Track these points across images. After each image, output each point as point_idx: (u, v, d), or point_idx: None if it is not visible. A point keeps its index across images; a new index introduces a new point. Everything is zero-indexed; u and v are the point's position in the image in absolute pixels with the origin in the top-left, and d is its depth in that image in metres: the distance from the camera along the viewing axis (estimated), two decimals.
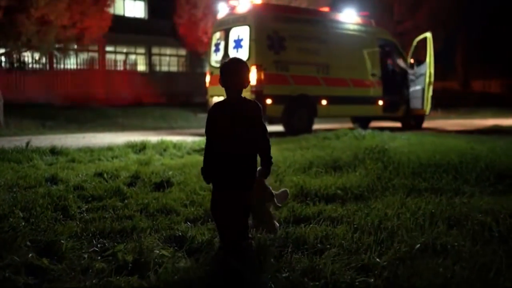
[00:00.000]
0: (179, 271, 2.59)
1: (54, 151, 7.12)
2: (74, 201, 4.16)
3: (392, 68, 13.66)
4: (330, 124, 14.19)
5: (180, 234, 3.25)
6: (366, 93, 12.65)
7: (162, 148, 7.71)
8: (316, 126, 12.07)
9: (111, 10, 17.68)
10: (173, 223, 3.59)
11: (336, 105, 11.97)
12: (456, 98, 28.49)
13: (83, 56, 23.28)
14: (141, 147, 7.63)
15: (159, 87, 23.33)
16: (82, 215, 3.84)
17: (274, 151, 7.11)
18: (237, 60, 3.01)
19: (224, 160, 2.92)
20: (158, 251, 2.87)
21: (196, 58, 24.93)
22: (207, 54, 14.05)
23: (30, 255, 2.71)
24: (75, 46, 19.12)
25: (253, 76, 10.51)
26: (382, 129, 11.40)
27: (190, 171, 5.54)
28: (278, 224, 3.39)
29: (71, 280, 2.52)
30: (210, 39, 12.52)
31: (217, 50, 11.82)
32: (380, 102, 12.91)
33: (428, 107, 13.30)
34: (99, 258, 2.83)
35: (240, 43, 11.01)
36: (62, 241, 2.93)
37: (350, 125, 14.12)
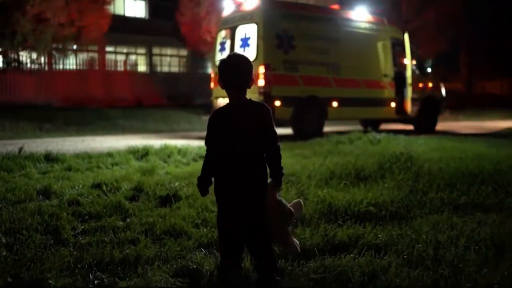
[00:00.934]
0: None
1: (49, 157, 6.55)
2: (67, 221, 3.61)
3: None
4: (338, 126, 13.62)
5: (195, 266, 2.68)
6: (378, 95, 12.09)
7: (166, 154, 7.16)
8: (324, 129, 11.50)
9: (110, 9, 17.14)
10: (184, 249, 3.04)
11: (347, 107, 11.41)
12: (461, 100, 27.97)
13: (83, 56, 22.86)
14: (144, 153, 7.08)
15: (160, 88, 22.87)
16: (76, 238, 3.29)
17: (288, 158, 6.60)
18: (237, 56, 2.56)
19: (229, 177, 2.51)
20: None
21: (198, 58, 24.51)
22: (211, 54, 13.51)
23: None
24: (74, 46, 18.58)
25: (261, 76, 9.97)
26: (389, 131, 10.87)
27: None
28: (298, 242, 2.90)
29: None
30: (215, 38, 11.96)
31: (222, 49, 11.27)
32: (393, 104, 12.36)
33: (409, 108, 12.65)
34: None
35: (247, 41, 10.45)
36: (50, 281, 2.36)
37: (357, 127, 13.56)
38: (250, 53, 10.14)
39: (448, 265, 2.60)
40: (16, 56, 15.36)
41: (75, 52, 21.62)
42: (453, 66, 36.80)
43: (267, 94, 10.00)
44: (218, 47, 11.47)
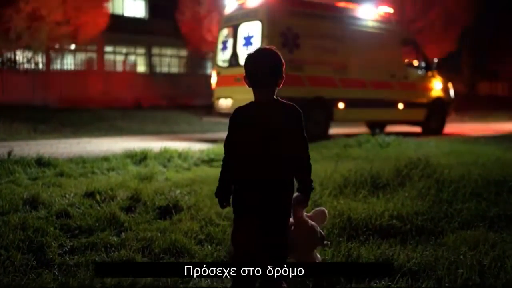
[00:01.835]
0: None
1: (40, 161, 6.11)
2: (54, 236, 3.20)
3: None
4: (343, 128, 13.21)
5: None
6: (386, 96, 11.67)
7: (166, 158, 6.75)
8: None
9: (109, 7, 16.74)
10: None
11: (354, 108, 11.00)
12: (464, 101, 27.62)
13: (81, 56, 22.50)
14: (142, 157, 6.66)
15: (160, 88, 22.51)
16: (63, 258, 2.87)
17: None
18: (267, 50, 2.27)
19: (250, 188, 2.18)
20: None
21: (198, 58, 24.16)
22: (212, 54, 13.11)
23: None
24: (72, 46, 18.19)
25: None
26: (397, 134, 10.46)
27: (201, 190, 4.58)
28: (320, 257, 2.61)
29: None
30: (217, 36, 11.55)
31: (224, 48, 10.86)
32: (400, 106, 11.94)
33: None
34: None
35: (250, 40, 10.04)
36: None
37: (362, 129, 13.15)
38: None
39: None
40: (11, 55, 14.94)
41: (73, 52, 21.27)
42: (453, 66, 36.42)
43: None
44: (220, 46, 11.06)
